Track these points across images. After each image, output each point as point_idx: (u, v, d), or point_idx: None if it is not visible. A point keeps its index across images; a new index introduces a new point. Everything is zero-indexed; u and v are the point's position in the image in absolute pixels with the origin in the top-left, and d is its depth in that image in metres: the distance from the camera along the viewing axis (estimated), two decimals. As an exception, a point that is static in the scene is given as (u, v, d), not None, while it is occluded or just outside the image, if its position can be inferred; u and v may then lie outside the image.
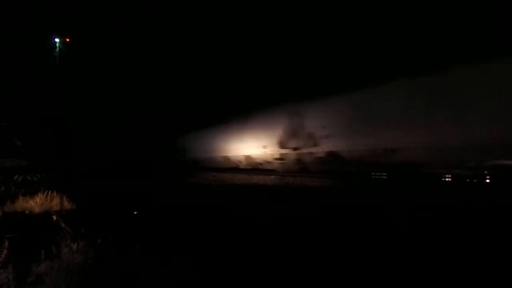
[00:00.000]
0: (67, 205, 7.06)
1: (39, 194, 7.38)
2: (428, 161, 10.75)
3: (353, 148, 13.19)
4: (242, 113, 21.84)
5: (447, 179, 10.43)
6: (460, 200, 7.29)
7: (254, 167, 20.38)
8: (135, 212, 6.41)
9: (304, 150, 15.74)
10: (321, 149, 14.75)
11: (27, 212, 6.64)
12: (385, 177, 12.54)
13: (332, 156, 14.16)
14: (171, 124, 32.49)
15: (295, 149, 17.20)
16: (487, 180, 9.42)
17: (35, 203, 6.90)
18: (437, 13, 10.68)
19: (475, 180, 9.73)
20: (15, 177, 10.56)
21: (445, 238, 4.30)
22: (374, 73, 12.69)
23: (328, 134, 14.26)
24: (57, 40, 19.29)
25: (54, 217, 4.83)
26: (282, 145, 18.32)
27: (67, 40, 19.57)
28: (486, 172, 9.33)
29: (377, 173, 12.89)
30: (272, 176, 14.91)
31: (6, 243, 2.82)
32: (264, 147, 19.83)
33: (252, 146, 20.32)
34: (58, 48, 19.23)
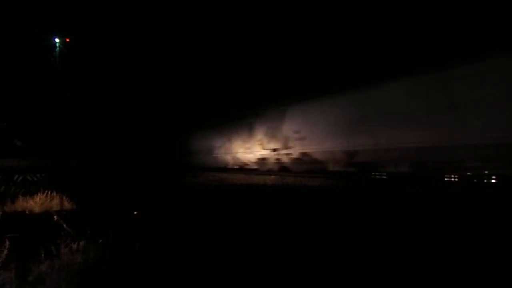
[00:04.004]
0: (67, 205, 7.07)
1: (39, 194, 7.39)
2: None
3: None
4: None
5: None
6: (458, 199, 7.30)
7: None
8: (135, 212, 6.41)
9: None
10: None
11: (27, 212, 6.65)
12: (385, 176, 12.53)
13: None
14: (171, 124, 32.50)
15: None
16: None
17: (35, 203, 6.91)
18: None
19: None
20: (15, 177, 10.55)
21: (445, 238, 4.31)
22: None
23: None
24: (57, 40, 19.26)
25: (54, 217, 4.84)
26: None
27: (67, 40, 19.53)
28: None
29: (377, 173, 12.87)
30: (272, 176, 14.89)
31: (7, 243, 2.82)
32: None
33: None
34: (58, 48, 19.20)
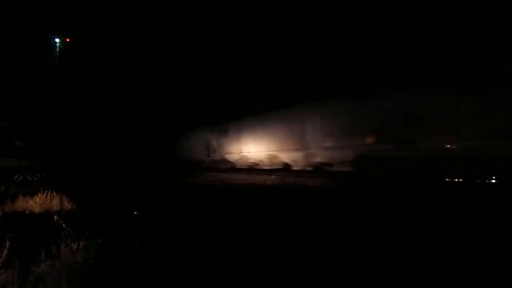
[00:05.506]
0: (67, 205, 7.07)
1: (39, 194, 7.39)
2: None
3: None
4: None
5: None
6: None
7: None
8: (135, 212, 6.42)
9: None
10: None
11: (27, 212, 6.65)
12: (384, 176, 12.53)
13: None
14: (170, 124, 32.41)
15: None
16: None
17: (35, 203, 6.91)
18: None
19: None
20: (15, 177, 10.56)
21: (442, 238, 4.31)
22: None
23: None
24: (57, 40, 19.27)
25: (54, 217, 4.84)
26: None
27: (67, 40, 19.55)
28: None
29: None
30: (272, 176, 14.90)
31: (7, 243, 2.82)
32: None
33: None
34: (58, 48, 19.20)
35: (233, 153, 22.15)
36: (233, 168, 22.10)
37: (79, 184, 12.76)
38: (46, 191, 7.49)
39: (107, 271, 2.63)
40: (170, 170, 24.74)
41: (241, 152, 21.25)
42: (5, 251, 2.75)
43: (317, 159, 15.68)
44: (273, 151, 18.35)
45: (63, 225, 3.48)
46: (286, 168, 17.77)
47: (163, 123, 33.20)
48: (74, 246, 2.86)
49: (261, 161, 19.59)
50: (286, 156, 17.57)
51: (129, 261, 2.82)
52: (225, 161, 23.21)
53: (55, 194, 7.43)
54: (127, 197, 9.39)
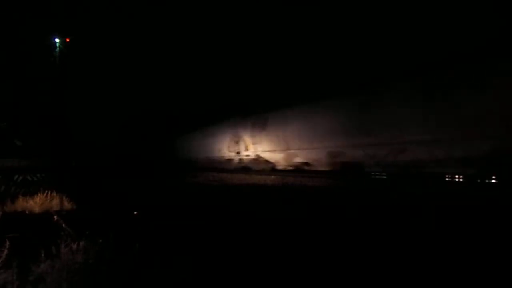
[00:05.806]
0: (67, 205, 7.07)
1: (39, 194, 7.40)
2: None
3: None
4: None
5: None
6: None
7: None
8: (135, 212, 6.42)
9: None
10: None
11: (27, 212, 6.65)
12: (385, 177, 12.52)
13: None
14: (170, 124, 32.31)
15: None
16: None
17: (35, 203, 6.92)
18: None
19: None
20: (15, 177, 10.56)
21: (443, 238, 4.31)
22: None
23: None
24: (57, 40, 19.29)
25: (54, 217, 4.85)
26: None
27: (67, 40, 19.57)
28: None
29: (377, 173, 12.83)
30: (272, 176, 14.87)
31: (7, 243, 2.82)
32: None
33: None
34: (58, 48, 19.22)
35: (273, 150, 17.52)
36: (273, 169, 17.65)
37: (79, 184, 12.75)
38: (46, 191, 7.49)
39: (107, 271, 2.63)
40: (169, 169, 24.66)
41: (287, 149, 16.47)
42: (5, 251, 2.76)
43: (409, 156, 10.65)
44: (336, 147, 13.54)
45: (63, 225, 3.48)
46: (351, 168, 13.20)
47: (163, 123, 33.07)
48: (74, 246, 2.87)
49: (315, 160, 15.10)
50: (355, 153, 12.85)
51: (129, 261, 2.82)
52: (260, 160, 18.68)
53: (55, 194, 7.43)
54: (127, 197, 9.40)
